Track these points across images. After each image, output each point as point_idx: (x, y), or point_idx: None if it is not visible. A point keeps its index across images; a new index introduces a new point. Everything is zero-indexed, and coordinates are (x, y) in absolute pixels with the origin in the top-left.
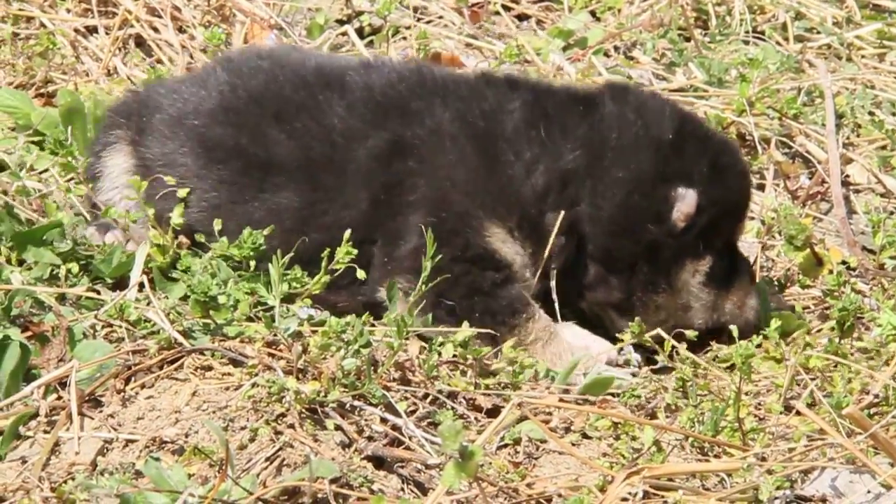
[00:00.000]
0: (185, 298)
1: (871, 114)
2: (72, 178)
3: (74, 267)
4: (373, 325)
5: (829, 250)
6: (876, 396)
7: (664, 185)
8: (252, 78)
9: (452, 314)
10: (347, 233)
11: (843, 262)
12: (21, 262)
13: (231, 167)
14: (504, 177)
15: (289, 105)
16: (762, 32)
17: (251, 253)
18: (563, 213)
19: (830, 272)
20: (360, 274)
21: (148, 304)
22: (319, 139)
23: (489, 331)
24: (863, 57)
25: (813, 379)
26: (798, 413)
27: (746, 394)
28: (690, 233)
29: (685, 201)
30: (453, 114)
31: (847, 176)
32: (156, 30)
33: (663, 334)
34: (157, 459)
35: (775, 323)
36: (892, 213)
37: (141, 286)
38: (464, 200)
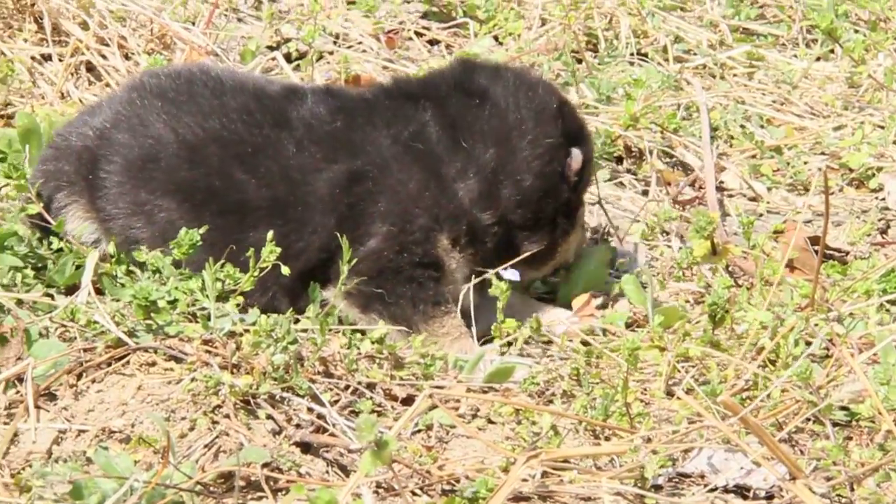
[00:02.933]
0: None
1: (742, 126)
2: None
3: (30, 273)
4: (297, 321)
5: (726, 244)
6: (746, 382)
7: (564, 148)
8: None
9: (380, 299)
10: (270, 233)
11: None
12: None
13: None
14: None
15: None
16: (645, 54)
17: (189, 251)
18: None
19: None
20: (285, 270)
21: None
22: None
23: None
24: (734, 75)
25: (693, 367)
26: (679, 398)
27: (633, 381)
28: (580, 184)
29: (576, 159)
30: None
31: (721, 182)
32: (104, 57)
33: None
34: (106, 448)
35: (659, 316)
36: (760, 215)
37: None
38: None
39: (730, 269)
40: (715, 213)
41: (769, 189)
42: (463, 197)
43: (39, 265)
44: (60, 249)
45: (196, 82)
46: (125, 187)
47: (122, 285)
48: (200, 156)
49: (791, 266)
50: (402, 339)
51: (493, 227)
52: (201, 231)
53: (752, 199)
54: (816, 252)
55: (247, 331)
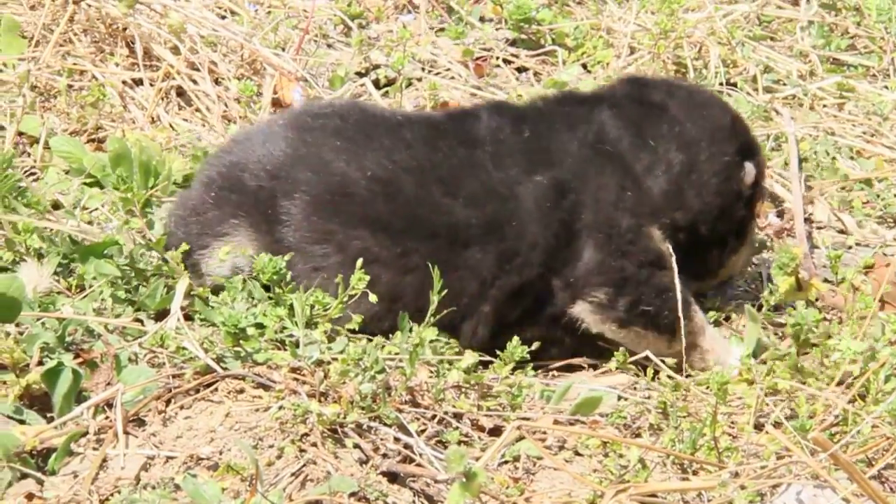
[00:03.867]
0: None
1: (832, 158)
2: (130, 211)
3: (121, 294)
4: (384, 349)
5: (810, 279)
6: (836, 417)
7: (739, 164)
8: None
9: (646, 317)
10: (359, 261)
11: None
12: (80, 288)
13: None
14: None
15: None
16: (735, 84)
17: (274, 277)
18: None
19: (810, 300)
20: (373, 298)
21: (181, 333)
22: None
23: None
24: (824, 106)
25: (782, 400)
26: (767, 433)
27: (721, 414)
28: (753, 198)
29: (749, 173)
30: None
31: (810, 214)
32: (195, 81)
33: (652, 356)
34: (194, 475)
35: (748, 348)
36: (849, 247)
37: (184, 318)
38: (624, 213)
39: (818, 302)
40: (798, 247)
41: (859, 222)
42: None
43: (133, 284)
44: (158, 266)
45: (363, 119)
46: (312, 220)
47: (214, 307)
48: (395, 187)
49: (882, 301)
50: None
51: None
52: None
53: (841, 232)
54: None
55: (335, 359)
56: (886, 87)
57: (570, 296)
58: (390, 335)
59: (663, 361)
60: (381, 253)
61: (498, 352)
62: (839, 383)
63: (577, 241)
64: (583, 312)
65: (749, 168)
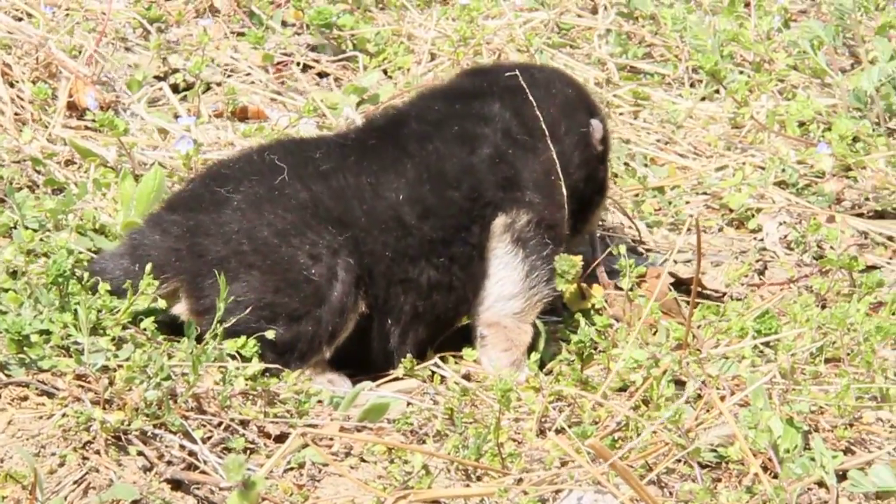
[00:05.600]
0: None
1: (626, 164)
2: None
3: None
4: (170, 357)
5: (592, 287)
6: (618, 424)
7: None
8: None
9: None
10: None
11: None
12: None
13: None
14: None
15: None
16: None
17: (58, 279)
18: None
19: (593, 307)
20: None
21: None
22: None
23: None
24: (620, 114)
25: (568, 405)
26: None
27: (508, 420)
28: (605, 152)
29: (597, 129)
30: None
31: (603, 221)
32: None
33: (439, 363)
34: None
35: (535, 355)
36: (641, 253)
37: None
38: None
39: (601, 310)
40: (578, 255)
41: (650, 228)
42: None
43: None
44: None
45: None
46: None
47: (0, 312)
48: None
49: (662, 310)
50: None
51: None
52: None
53: (634, 240)
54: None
55: (121, 366)
56: (680, 95)
57: None
58: None
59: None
60: None
61: None
62: (622, 390)
63: None
64: None
65: (596, 124)
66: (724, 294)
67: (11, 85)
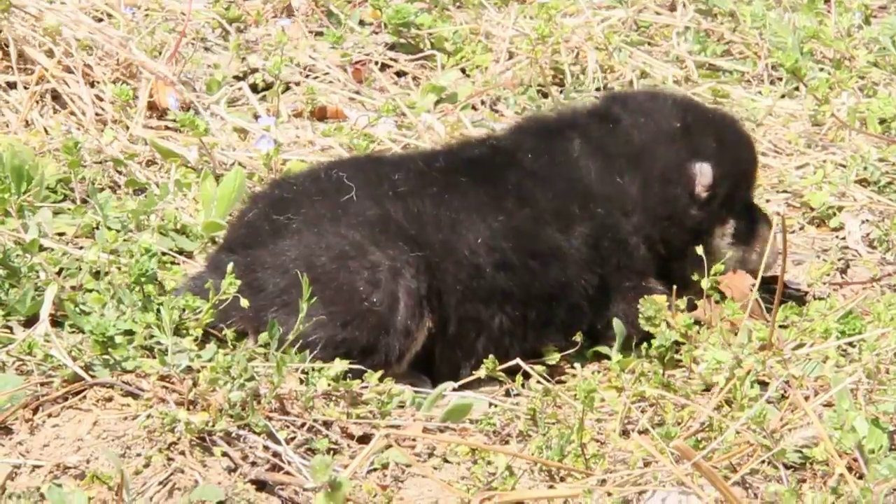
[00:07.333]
0: None
1: None
2: (6, 212)
3: None
4: (252, 358)
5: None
6: (701, 425)
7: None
8: None
9: None
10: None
11: None
12: None
13: None
14: None
15: None
16: (611, 89)
17: (140, 279)
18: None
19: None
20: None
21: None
22: None
23: None
24: None
25: (650, 406)
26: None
27: (591, 421)
28: (714, 202)
29: (704, 174)
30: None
31: None
32: (68, 85)
33: (521, 364)
34: (60, 485)
35: (616, 356)
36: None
37: (54, 323)
38: None
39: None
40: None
41: None
42: None
43: (4, 287)
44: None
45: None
46: None
47: (85, 313)
48: None
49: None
50: None
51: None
52: None
53: None
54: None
55: (204, 367)
56: (760, 93)
57: None
58: None
59: (532, 367)
60: None
61: None
62: (705, 391)
63: None
64: None
65: (704, 169)
66: (806, 293)
67: (92, 85)
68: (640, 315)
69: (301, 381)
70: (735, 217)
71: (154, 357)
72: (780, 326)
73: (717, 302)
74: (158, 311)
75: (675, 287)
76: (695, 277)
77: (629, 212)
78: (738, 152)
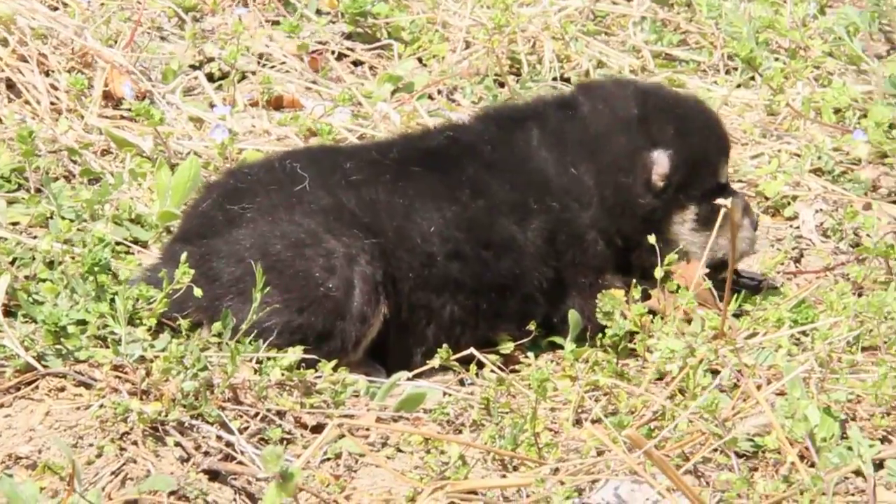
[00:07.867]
0: None
1: None
2: None
3: None
4: (206, 348)
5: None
6: (654, 413)
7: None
8: None
9: None
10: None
11: None
12: None
13: None
14: None
15: None
16: (568, 79)
17: (93, 269)
18: None
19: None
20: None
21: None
22: None
23: None
24: None
25: (604, 395)
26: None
27: (545, 409)
28: (669, 190)
29: (660, 163)
30: None
31: None
32: (23, 74)
33: (476, 353)
34: (11, 475)
35: (571, 346)
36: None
37: (6, 312)
38: None
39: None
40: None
41: None
42: None
43: None
44: None
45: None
46: None
47: (38, 303)
48: None
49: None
50: None
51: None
52: None
53: None
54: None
55: (157, 357)
56: (716, 83)
57: None
58: None
59: (486, 356)
60: None
61: None
62: (659, 380)
63: None
64: None
65: (659, 157)
66: (760, 283)
67: (47, 74)
68: (598, 310)
69: (255, 371)
70: (696, 203)
71: (107, 347)
72: (734, 315)
73: (671, 291)
74: (112, 300)
75: (633, 281)
76: (657, 273)
77: (586, 204)
78: (700, 138)
